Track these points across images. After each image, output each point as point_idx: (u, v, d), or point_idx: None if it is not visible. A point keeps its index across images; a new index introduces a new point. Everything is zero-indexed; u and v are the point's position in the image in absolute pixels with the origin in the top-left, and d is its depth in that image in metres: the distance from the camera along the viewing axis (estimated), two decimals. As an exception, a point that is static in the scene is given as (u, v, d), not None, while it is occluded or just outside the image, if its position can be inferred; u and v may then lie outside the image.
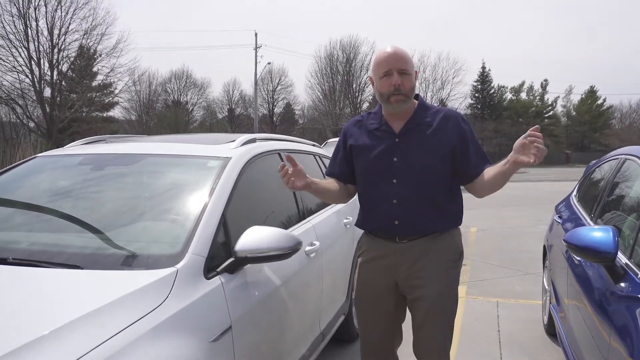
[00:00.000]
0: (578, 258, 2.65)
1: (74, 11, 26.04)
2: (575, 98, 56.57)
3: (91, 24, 26.49)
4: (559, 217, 3.88)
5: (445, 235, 2.23)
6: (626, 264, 2.08)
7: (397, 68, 2.14)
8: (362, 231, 3.63)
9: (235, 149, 2.57)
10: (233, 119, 49.97)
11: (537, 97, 53.81)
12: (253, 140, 2.80)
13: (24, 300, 1.61)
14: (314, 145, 4.12)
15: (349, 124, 2.39)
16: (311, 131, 43.00)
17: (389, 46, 2.18)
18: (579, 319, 2.56)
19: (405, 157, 2.18)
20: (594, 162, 4.06)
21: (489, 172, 2.16)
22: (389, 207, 2.20)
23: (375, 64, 2.19)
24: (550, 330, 3.85)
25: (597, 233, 2.09)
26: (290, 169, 2.12)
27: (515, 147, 1.98)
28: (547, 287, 4.05)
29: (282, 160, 2.97)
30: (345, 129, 2.38)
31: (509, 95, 53.37)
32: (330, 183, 2.38)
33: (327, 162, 3.95)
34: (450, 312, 2.22)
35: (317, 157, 3.79)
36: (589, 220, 3.10)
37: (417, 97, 2.28)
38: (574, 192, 4.05)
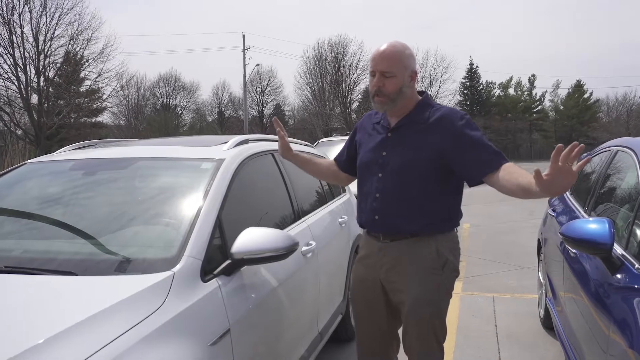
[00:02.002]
0: (574, 250, 2.66)
1: (59, 17, 25.79)
2: (563, 92, 57.06)
3: (77, 29, 26.24)
4: (552, 210, 3.89)
5: (428, 240, 2.16)
6: (622, 255, 2.09)
7: (379, 69, 2.12)
8: (357, 230, 3.62)
9: (228, 151, 2.56)
10: (223, 122, 49.91)
11: (525, 93, 54.19)
12: (246, 142, 2.79)
13: (18, 309, 1.58)
14: (306, 145, 4.10)
15: (363, 117, 2.45)
16: (302, 132, 42.98)
17: (384, 44, 2.15)
18: (576, 311, 2.57)
19: (392, 152, 2.17)
20: (585, 154, 4.07)
21: (515, 177, 1.91)
22: (372, 201, 2.20)
23: (369, 63, 2.20)
24: (547, 323, 3.87)
25: (593, 225, 2.10)
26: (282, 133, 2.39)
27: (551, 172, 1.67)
28: (542, 281, 4.06)
29: (276, 161, 2.96)
30: (358, 122, 2.46)
31: (497, 91, 53.76)
32: (324, 160, 2.59)
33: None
34: (429, 320, 2.15)
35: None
36: (583, 212, 3.11)
37: (423, 94, 2.26)
38: (567, 185, 4.06)
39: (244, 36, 37.62)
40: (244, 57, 37.51)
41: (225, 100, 51.73)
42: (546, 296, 3.79)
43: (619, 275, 2.02)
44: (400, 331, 2.30)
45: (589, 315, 2.26)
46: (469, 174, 2.10)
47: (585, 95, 54.84)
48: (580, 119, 53.50)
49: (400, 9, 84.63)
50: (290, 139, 3.81)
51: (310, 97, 43.08)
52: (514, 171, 1.97)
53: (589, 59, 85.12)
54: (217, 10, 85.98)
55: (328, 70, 42.42)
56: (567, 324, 2.85)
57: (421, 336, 2.16)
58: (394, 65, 2.10)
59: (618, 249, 2.13)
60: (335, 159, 2.58)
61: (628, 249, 2.10)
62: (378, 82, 2.12)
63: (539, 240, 4.36)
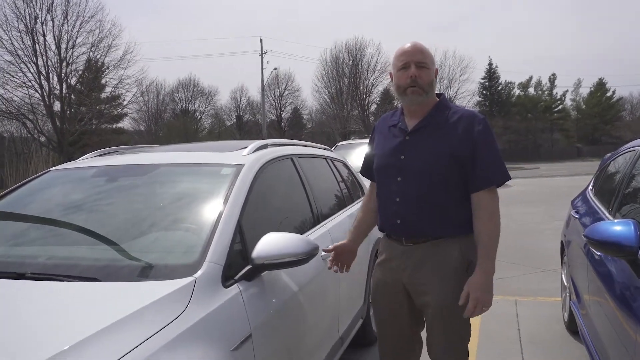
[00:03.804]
0: (599, 253, 2.61)
1: (80, 25, 26.26)
2: (585, 91, 56.14)
3: (98, 37, 26.70)
4: (575, 212, 3.83)
5: (451, 241, 2.15)
6: (649, 258, 2.04)
7: (414, 60, 2.13)
8: (377, 235, 3.58)
9: (248, 156, 2.57)
10: (241, 126, 50.19)
11: (546, 92, 53.49)
12: (265, 146, 2.80)
13: (43, 315, 1.61)
14: (325, 148, 4.11)
15: (380, 119, 2.43)
16: (320, 135, 43.02)
17: (408, 42, 2.19)
18: (601, 315, 2.52)
19: (412, 155, 2.16)
20: (608, 155, 4.00)
21: (477, 224, 2.10)
22: (392, 205, 2.19)
23: (394, 57, 2.20)
24: (572, 327, 3.80)
25: (618, 227, 2.06)
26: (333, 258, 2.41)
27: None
28: (566, 284, 4.00)
29: (295, 166, 2.96)
30: (375, 126, 2.43)
31: (517, 91, 53.15)
32: (367, 207, 2.46)
33: (339, 165, 3.95)
34: (456, 322, 2.14)
35: (329, 161, 3.78)
36: (607, 214, 3.05)
37: (440, 95, 2.26)
38: (590, 186, 4.00)
39: (261, 40, 37.86)
40: (262, 61, 37.76)
41: (244, 105, 52.05)
42: (570, 299, 3.73)
43: (645, 279, 1.98)
44: (423, 334, 2.29)
45: (614, 318, 2.22)
46: (469, 182, 2.13)
47: (608, 94, 53.94)
48: (603, 117, 52.63)
49: (417, 10, 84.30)
50: (308, 143, 3.83)
51: (328, 100, 43.08)
52: (485, 214, 2.10)
53: (611, 56, 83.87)
54: (235, 15, 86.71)
55: (346, 72, 42.39)
56: (592, 328, 2.80)
57: (446, 338, 2.15)
58: (428, 57, 2.16)
59: (644, 252, 2.09)
60: (363, 173, 2.50)
61: (655, 251, 2.05)
62: (415, 72, 2.12)
63: (562, 242, 4.29)
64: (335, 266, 2.44)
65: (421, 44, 2.18)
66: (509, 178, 2.18)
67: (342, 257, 2.44)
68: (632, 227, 2.02)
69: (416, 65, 2.13)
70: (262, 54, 37.73)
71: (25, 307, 1.68)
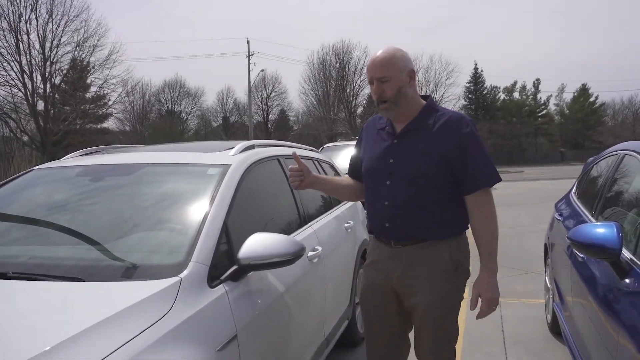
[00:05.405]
0: (582, 255, 2.64)
1: (65, 24, 26.06)
2: (568, 96, 56.77)
3: (83, 36, 26.50)
4: (559, 214, 3.87)
5: (439, 243, 2.17)
6: (631, 260, 2.07)
7: (376, 77, 2.12)
8: (363, 236, 3.59)
9: (234, 156, 2.56)
10: (228, 127, 49.99)
11: (530, 97, 54.01)
12: (252, 147, 2.79)
13: (25, 315, 1.58)
14: (312, 150, 4.11)
15: (368, 122, 2.42)
16: (306, 137, 42.96)
17: (379, 51, 2.16)
18: (584, 316, 2.55)
19: (400, 159, 2.16)
20: (592, 158, 4.06)
21: (476, 226, 2.17)
22: (381, 209, 2.19)
23: (367, 73, 2.21)
24: (555, 328, 3.84)
25: (601, 229, 2.09)
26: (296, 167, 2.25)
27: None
28: (549, 286, 4.04)
29: (282, 166, 2.96)
30: (364, 127, 2.42)
31: (502, 96, 53.59)
32: (344, 180, 2.48)
33: (325, 166, 3.95)
34: (444, 323, 2.17)
35: (316, 162, 3.78)
36: (590, 217, 3.09)
37: (427, 98, 2.25)
38: (574, 190, 4.04)
39: (248, 42, 37.76)
40: (249, 63, 37.64)
41: (230, 106, 51.82)
42: (553, 301, 3.77)
43: (627, 280, 2.01)
44: (410, 334, 2.30)
45: (597, 320, 2.24)
46: (461, 185, 2.14)
47: (591, 99, 54.63)
48: (586, 122, 53.28)
49: (404, 13, 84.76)
50: (295, 144, 3.83)
51: (315, 102, 43.15)
52: (482, 215, 2.16)
53: (594, 62, 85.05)
54: (222, 16, 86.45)
55: (332, 75, 42.49)
56: (575, 329, 2.83)
57: (434, 338, 2.17)
58: (388, 69, 2.11)
59: (626, 254, 2.12)
60: (350, 174, 2.45)
61: (637, 253, 2.08)
62: (377, 89, 2.12)
63: (545, 244, 4.34)
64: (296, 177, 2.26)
65: (383, 56, 2.12)
66: (500, 179, 2.19)
67: (303, 176, 2.25)
68: (615, 230, 2.04)
69: (378, 80, 2.12)
70: (249, 56, 37.63)
71: (7, 307, 1.65)
